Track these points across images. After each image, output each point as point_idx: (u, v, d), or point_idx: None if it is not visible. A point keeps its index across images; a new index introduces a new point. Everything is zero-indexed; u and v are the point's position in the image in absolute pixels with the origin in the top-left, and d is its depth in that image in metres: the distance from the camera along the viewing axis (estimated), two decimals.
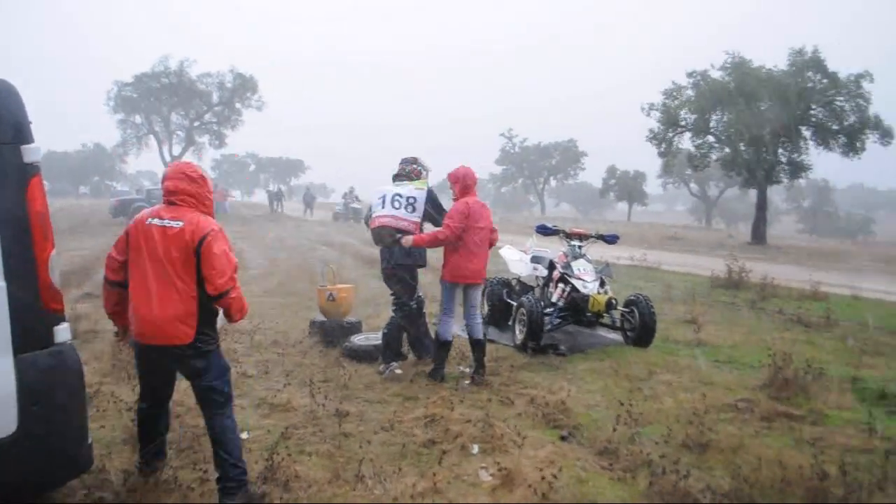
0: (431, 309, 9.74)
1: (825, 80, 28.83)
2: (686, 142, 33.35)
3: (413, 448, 4.89)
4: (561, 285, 8.33)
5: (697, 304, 11.04)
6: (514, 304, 8.53)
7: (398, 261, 7.01)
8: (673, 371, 7.04)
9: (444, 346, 6.80)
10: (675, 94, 32.07)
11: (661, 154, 33.79)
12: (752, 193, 35.74)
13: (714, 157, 32.94)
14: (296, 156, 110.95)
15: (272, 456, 4.33)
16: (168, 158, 48.33)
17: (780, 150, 30.35)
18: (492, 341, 7.97)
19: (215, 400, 4.09)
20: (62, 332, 3.50)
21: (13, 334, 3.22)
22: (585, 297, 8.00)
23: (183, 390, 5.87)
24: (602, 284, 8.31)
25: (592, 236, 8.89)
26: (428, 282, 12.66)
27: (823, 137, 29.23)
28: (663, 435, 5.02)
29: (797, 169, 30.51)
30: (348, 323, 8.28)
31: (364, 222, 7.67)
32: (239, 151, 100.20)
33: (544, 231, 8.86)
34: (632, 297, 8.31)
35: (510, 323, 8.51)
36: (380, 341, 7.28)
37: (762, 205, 31.53)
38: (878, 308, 11.91)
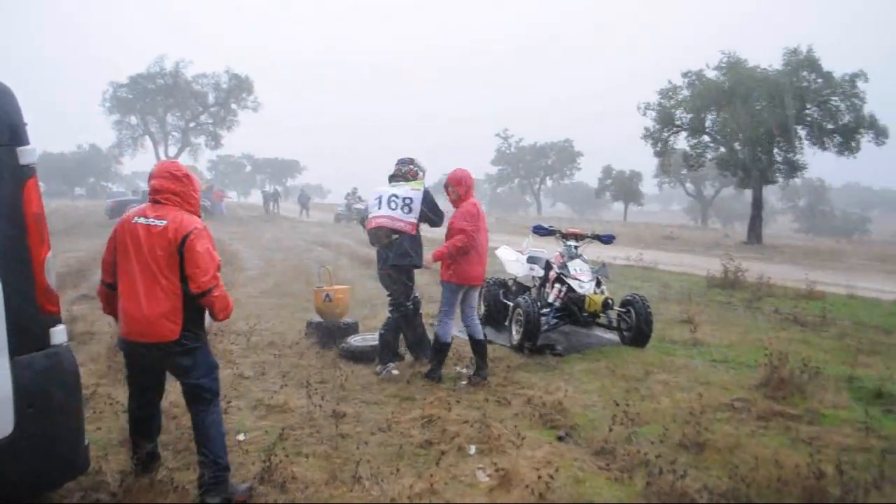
0: (428, 310, 9.75)
1: (820, 80, 28.93)
2: (682, 141, 33.47)
3: (410, 449, 4.89)
4: (557, 285, 8.34)
5: (693, 304, 11.04)
6: (511, 304, 8.54)
7: (395, 261, 7.00)
8: (669, 371, 7.05)
9: (443, 347, 6.79)
10: (670, 93, 32.15)
11: (656, 153, 33.86)
12: (748, 193, 35.80)
13: (709, 156, 33.03)
14: (292, 156, 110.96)
15: (269, 457, 4.33)
16: (164, 159, 48.21)
17: (776, 150, 30.42)
18: (489, 342, 7.97)
19: (202, 397, 4.10)
20: (58, 334, 3.49)
21: (9, 336, 3.21)
22: (582, 298, 8.01)
23: (179, 392, 5.89)
24: (598, 284, 8.31)
25: (588, 236, 8.90)
26: (425, 283, 12.68)
27: (818, 137, 29.31)
28: (660, 435, 5.03)
29: (792, 168, 30.57)
30: (345, 324, 8.28)
31: (360, 223, 7.67)
32: (235, 152, 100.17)
33: (540, 231, 8.87)
34: (628, 297, 8.32)
35: (507, 323, 8.52)
36: (376, 342, 7.27)
37: (758, 204, 31.58)
38: (873, 307, 11.95)
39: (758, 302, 11.92)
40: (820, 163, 31.38)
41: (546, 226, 8.95)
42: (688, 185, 66.99)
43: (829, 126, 28.97)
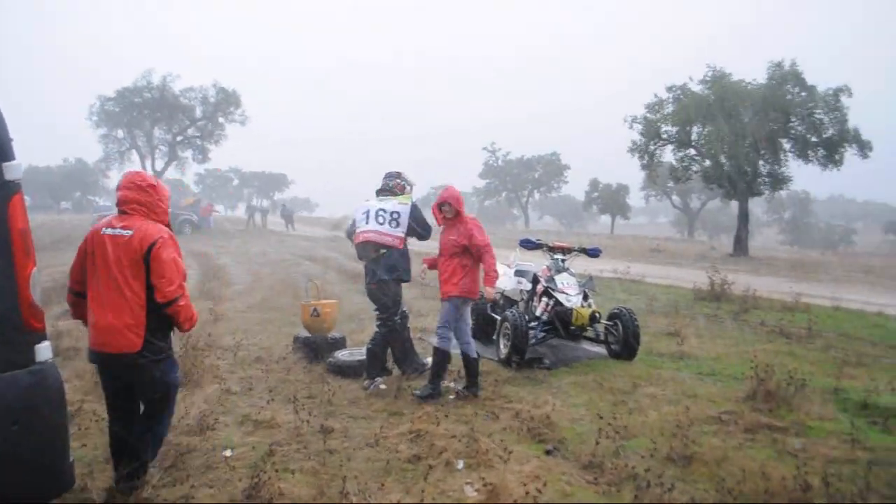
0: (416, 324, 9.75)
1: (804, 94, 29.22)
2: (668, 154, 33.67)
3: (398, 464, 4.88)
4: (545, 299, 8.35)
5: (680, 317, 11.09)
6: (499, 318, 8.54)
7: (382, 276, 7.00)
8: (657, 384, 7.06)
9: (446, 358, 6.70)
10: (656, 107, 32.37)
11: (643, 167, 34.03)
12: (734, 205, 36.03)
13: (695, 169, 33.22)
14: (280, 170, 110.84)
15: (256, 473, 4.30)
16: (151, 173, 47.52)
17: (761, 163, 30.65)
18: (478, 354, 7.97)
19: (154, 411, 4.10)
20: (43, 351, 3.47)
21: None
22: (569, 311, 8.02)
23: None
24: (585, 298, 8.33)
25: (575, 250, 8.93)
26: (412, 297, 12.68)
27: (803, 149, 29.57)
28: (648, 448, 5.03)
29: (778, 181, 30.80)
30: (332, 338, 8.25)
31: (347, 237, 7.66)
32: (222, 166, 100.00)
33: (528, 245, 8.90)
34: (615, 310, 8.34)
35: (494, 337, 8.51)
36: (364, 357, 7.25)
37: (744, 217, 31.78)
38: (858, 319, 12.02)
39: (744, 314, 11.98)
40: (805, 174, 31.61)
41: (533, 239, 8.98)
42: (674, 197, 67.29)
43: (814, 139, 29.24)
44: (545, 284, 8.43)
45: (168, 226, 4.26)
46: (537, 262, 9.56)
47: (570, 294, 8.20)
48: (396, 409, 6.24)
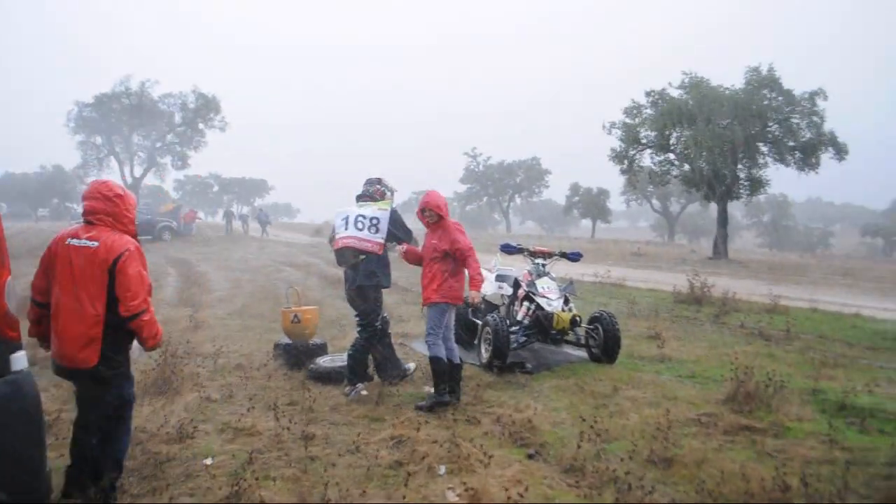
0: (400, 329, 9.74)
1: (780, 98, 29.54)
2: (647, 159, 33.88)
3: (379, 470, 4.86)
4: (526, 303, 8.37)
5: (661, 320, 11.17)
6: (480, 322, 8.54)
7: (362, 282, 6.99)
8: (637, 387, 7.09)
9: (442, 366, 6.56)
10: (634, 112, 32.57)
11: (623, 171, 34.22)
12: (713, 209, 36.32)
13: (675, 173, 33.45)
14: (260, 176, 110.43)
15: (237, 481, 4.28)
16: (129, 180, 47.77)
17: (739, 166, 30.93)
18: (461, 360, 7.97)
19: (112, 429, 4.07)
20: (19, 360, 3.43)
21: None
22: (550, 315, 8.04)
23: (145, 416, 5.82)
24: (566, 302, 8.35)
25: (556, 254, 8.96)
26: (393, 302, 12.67)
27: (780, 153, 29.87)
28: (629, 451, 5.05)
29: (756, 185, 31.09)
30: (314, 345, 8.22)
31: (329, 243, 7.64)
32: (202, 172, 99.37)
33: (508, 250, 8.91)
34: (596, 314, 8.38)
35: (476, 342, 8.52)
36: (345, 363, 7.23)
37: (723, 220, 32.04)
38: (836, 320, 12.15)
39: (724, 317, 12.06)
40: (783, 177, 31.93)
41: (514, 244, 8.99)
42: (654, 201, 67.70)
43: (791, 143, 29.55)
44: (526, 289, 8.45)
45: (134, 236, 4.21)
46: (518, 267, 9.58)
47: (551, 298, 8.23)
48: (378, 415, 6.21)
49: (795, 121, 29.39)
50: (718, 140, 29.24)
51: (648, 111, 32.12)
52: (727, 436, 5.56)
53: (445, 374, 6.56)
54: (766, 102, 29.60)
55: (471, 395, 6.79)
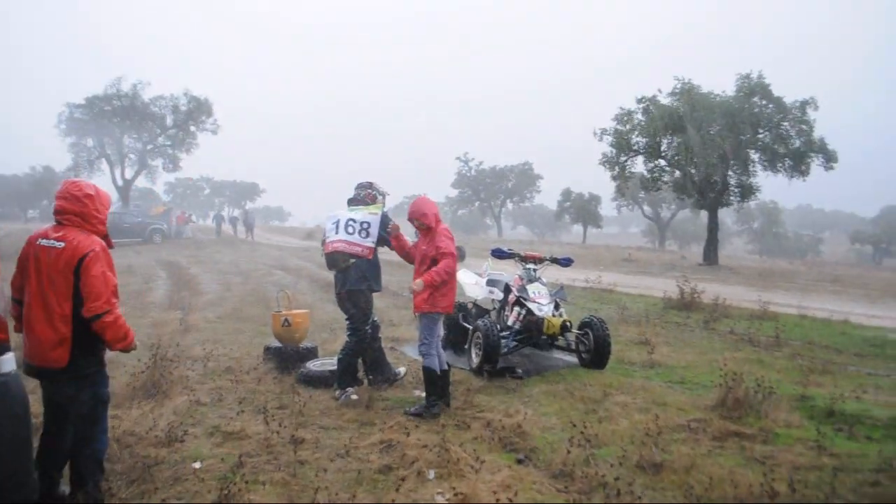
0: (391, 333, 9.74)
1: (771, 106, 29.69)
2: (639, 165, 33.96)
3: (369, 475, 4.86)
4: (516, 308, 8.38)
5: (651, 326, 11.20)
6: (470, 327, 8.54)
7: (351, 286, 6.99)
8: (627, 392, 7.11)
9: (434, 377, 6.50)
10: (625, 118, 32.66)
11: (614, 178, 34.29)
12: (704, 215, 36.44)
13: (666, 179, 33.55)
14: (252, 179, 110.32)
15: (226, 485, 4.26)
16: (120, 182, 47.52)
17: (730, 173, 31.06)
18: (448, 365, 7.97)
19: (84, 431, 4.05)
20: (7, 363, 3.42)
21: None
22: (540, 320, 8.05)
23: (133, 419, 5.79)
24: (557, 307, 8.37)
25: (547, 260, 8.97)
26: (384, 306, 12.66)
27: (770, 160, 30.00)
28: (618, 456, 5.06)
29: (746, 191, 31.22)
30: (304, 348, 8.21)
31: (321, 246, 7.63)
32: (193, 175, 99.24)
33: (499, 255, 8.92)
34: (586, 320, 8.39)
35: (466, 347, 8.52)
36: (336, 367, 7.22)
37: (713, 226, 32.15)
38: (825, 327, 12.21)
39: (714, 323, 12.10)
40: (774, 184, 32.07)
41: (505, 249, 9.00)
42: (645, 207, 67.89)
43: (781, 150, 29.69)
44: (517, 294, 8.46)
45: (105, 236, 4.21)
46: (509, 272, 9.60)
47: (541, 303, 8.24)
48: (368, 419, 6.21)
49: (785, 128, 29.52)
50: (709, 147, 29.35)
51: (639, 118, 32.21)
52: (716, 441, 5.58)
53: (437, 386, 6.54)
54: (756, 110, 29.74)
55: (461, 400, 6.79)
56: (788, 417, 6.12)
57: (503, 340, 8.00)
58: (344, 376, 7.05)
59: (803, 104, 29.11)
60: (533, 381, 7.67)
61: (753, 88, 29.82)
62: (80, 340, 3.91)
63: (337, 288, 7.22)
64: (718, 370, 6.88)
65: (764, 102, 29.86)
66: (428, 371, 6.50)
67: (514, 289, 8.60)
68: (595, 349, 8.14)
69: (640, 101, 32.39)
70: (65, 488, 4.25)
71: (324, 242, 7.36)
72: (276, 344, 8.29)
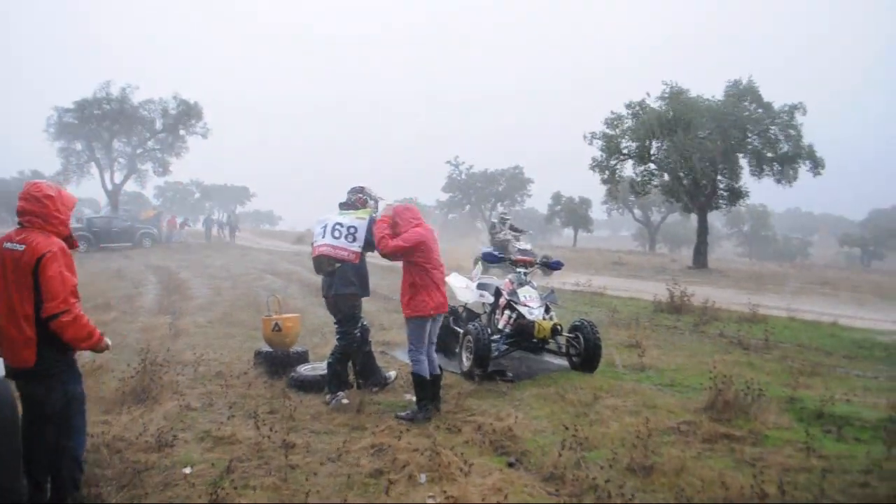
0: (382, 337, 9.73)
1: (760, 110, 29.82)
2: (629, 169, 34.02)
3: (360, 479, 4.85)
4: (507, 312, 8.39)
5: (641, 329, 11.22)
6: (461, 331, 8.55)
7: (337, 290, 7.02)
8: (618, 395, 7.13)
9: (423, 383, 6.49)
10: (615, 122, 32.72)
11: (604, 181, 34.34)
12: (694, 219, 36.54)
13: (655, 183, 33.62)
14: (242, 183, 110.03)
15: (216, 490, 4.26)
16: (110, 186, 47.33)
17: (719, 177, 31.15)
18: (441, 369, 7.97)
19: (59, 429, 4.04)
20: None
21: None
22: (531, 324, 8.06)
23: (123, 424, 5.77)
24: (547, 311, 8.38)
25: (537, 263, 8.98)
26: (375, 310, 12.65)
27: (759, 164, 30.11)
28: (609, 459, 5.07)
29: (735, 195, 31.32)
30: (295, 353, 8.19)
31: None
32: (183, 179, 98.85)
33: (490, 258, 8.93)
34: (577, 323, 8.40)
35: (457, 350, 8.52)
36: (326, 371, 7.21)
37: (703, 230, 32.20)
38: (813, 329, 12.27)
39: (703, 326, 12.14)
40: (763, 188, 32.22)
41: (496, 253, 9.01)
42: (636, 211, 68.01)
43: (769, 154, 29.81)
44: (507, 297, 8.47)
45: (68, 237, 4.22)
46: (500, 276, 9.62)
47: (532, 307, 8.25)
48: (359, 423, 6.21)
49: (774, 133, 29.65)
50: (698, 150, 29.44)
51: (629, 123, 32.28)
52: (706, 444, 5.60)
53: (428, 391, 6.54)
54: (746, 114, 29.86)
55: (452, 404, 6.80)
56: (778, 419, 6.15)
57: (494, 344, 8.01)
58: (334, 380, 7.04)
59: (791, 109, 29.24)
60: (524, 385, 7.68)
61: (743, 92, 29.95)
62: (46, 340, 3.93)
63: (324, 291, 7.24)
64: (708, 373, 6.90)
65: (753, 106, 29.99)
66: (416, 377, 6.50)
67: (504, 292, 8.61)
68: (585, 352, 8.15)
69: (629, 105, 32.48)
70: (79, 493, 4.25)
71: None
72: (267, 348, 8.28)
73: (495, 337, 8.19)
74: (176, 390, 7.02)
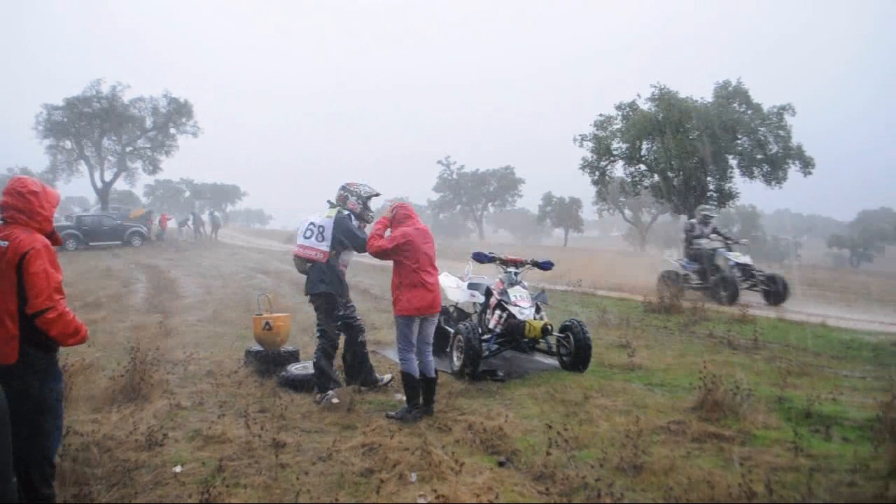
0: (373, 336, 9.73)
1: (749, 111, 29.95)
2: (619, 170, 34.07)
3: (351, 478, 4.86)
4: (498, 312, 8.41)
5: (631, 329, 11.26)
6: (452, 330, 8.56)
7: (311, 289, 7.11)
8: (608, 395, 7.15)
9: (412, 382, 6.50)
10: (605, 124, 32.77)
11: (594, 182, 34.39)
12: (684, 219, 36.65)
13: (645, 184, 33.70)
14: (233, 181, 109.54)
15: (207, 489, 4.25)
16: (99, 184, 47.10)
17: (708, 178, 31.24)
18: (436, 373, 7.97)
19: (35, 426, 4.04)
20: None
21: None
22: (522, 324, 8.08)
23: (113, 423, 5.76)
24: (538, 310, 8.41)
25: (528, 263, 9.01)
26: (365, 309, 12.65)
27: (748, 166, 30.23)
28: (599, 458, 5.09)
29: (725, 196, 31.42)
30: (285, 352, 8.19)
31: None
32: (173, 177, 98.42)
33: (480, 258, 8.95)
34: (567, 323, 8.43)
35: (448, 350, 8.54)
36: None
37: None
38: (801, 329, 12.32)
39: (693, 326, 12.18)
40: (753, 189, 32.27)
41: (486, 253, 9.03)
42: (626, 211, 68.22)
43: (759, 155, 29.93)
44: (498, 297, 8.49)
45: (51, 233, 4.21)
46: (490, 276, 9.63)
47: (522, 307, 8.28)
48: (350, 422, 6.21)
49: (763, 134, 29.77)
50: (688, 152, 29.53)
51: (619, 124, 32.34)
52: (695, 443, 5.63)
53: (417, 390, 6.54)
54: (735, 115, 29.98)
55: (442, 403, 6.81)
56: (766, 419, 6.18)
57: (484, 343, 8.04)
58: (322, 379, 7.04)
59: (780, 110, 29.39)
60: (514, 384, 7.70)
61: (732, 94, 30.07)
62: (29, 336, 3.92)
63: (305, 291, 7.31)
64: (698, 373, 6.92)
65: (743, 108, 30.12)
66: (406, 376, 6.52)
67: (495, 292, 8.63)
68: (576, 352, 8.18)
69: (619, 107, 32.53)
70: (50, 491, 4.23)
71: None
72: (257, 347, 8.28)
73: (486, 337, 8.22)
74: (166, 389, 7.02)
